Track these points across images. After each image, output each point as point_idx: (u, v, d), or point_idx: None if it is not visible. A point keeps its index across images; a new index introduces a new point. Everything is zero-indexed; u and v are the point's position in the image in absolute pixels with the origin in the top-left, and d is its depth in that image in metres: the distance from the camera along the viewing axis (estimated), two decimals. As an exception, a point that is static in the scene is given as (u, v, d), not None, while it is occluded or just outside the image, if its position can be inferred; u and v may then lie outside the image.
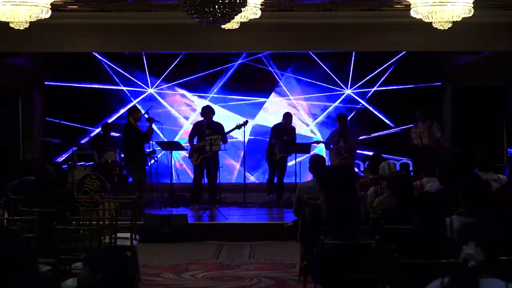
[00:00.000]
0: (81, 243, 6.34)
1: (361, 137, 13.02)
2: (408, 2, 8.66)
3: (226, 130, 12.54)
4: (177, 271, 8.52)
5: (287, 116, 13.12)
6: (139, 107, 12.86)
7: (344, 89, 14.25)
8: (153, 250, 9.79)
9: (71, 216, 6.45)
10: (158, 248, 10.03)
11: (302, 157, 12.82)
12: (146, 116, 12.01)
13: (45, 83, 13.94)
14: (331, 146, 12.98)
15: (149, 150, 12.46)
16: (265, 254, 9.57)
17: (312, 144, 13.21)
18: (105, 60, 14.10)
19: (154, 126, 12.24)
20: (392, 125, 14.13)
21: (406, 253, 4.67)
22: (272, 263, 8.97)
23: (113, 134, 13.41)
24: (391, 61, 14.04)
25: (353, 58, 14.04)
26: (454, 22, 8.48)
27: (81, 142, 12.98)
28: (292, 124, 13.16)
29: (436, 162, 7.29)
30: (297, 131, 13.33)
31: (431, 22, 8.53)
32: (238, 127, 12.60)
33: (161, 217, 10.78)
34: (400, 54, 13.90)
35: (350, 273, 5.11)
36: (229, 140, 12.85)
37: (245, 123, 12.66)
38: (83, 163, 12.68)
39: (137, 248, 7.79)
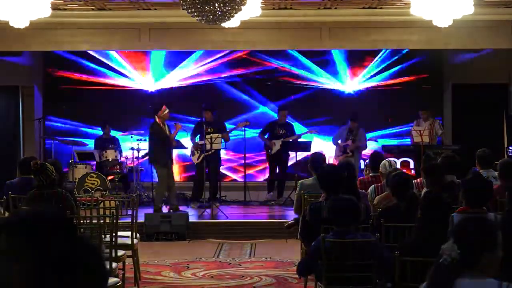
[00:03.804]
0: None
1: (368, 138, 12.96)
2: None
3: (228, 129, 12.56)
4: (177, 269, 8.52)
5: (281, 110, 13.04)
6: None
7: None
8: (153, 249, 9.80)
9: (70, 215, 6.44)
10: (159, 246, 10.04)
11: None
12: (174, 123, 11.69)
13: (45, 82, 13.91)
14: (339, 142, 12.89)
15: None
16: (265, 252, 9.57)
17: (305, 134, 13.03)
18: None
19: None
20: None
21: (407, 251, 4.68)
22: (272, 261, 8.97)
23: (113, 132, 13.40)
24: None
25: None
26: (454, 20, 8.46)
27: (82, 140, 12.95)
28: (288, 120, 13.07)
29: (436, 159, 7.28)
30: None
31: (432, 20, 8.51)
32: (239, 126, 12.60)
33: (162, 215, 10.78)
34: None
35: (350, 271, 5.10)
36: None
37: (247, 123, 12.67)
38: (84, 161, 12.69)
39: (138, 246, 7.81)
